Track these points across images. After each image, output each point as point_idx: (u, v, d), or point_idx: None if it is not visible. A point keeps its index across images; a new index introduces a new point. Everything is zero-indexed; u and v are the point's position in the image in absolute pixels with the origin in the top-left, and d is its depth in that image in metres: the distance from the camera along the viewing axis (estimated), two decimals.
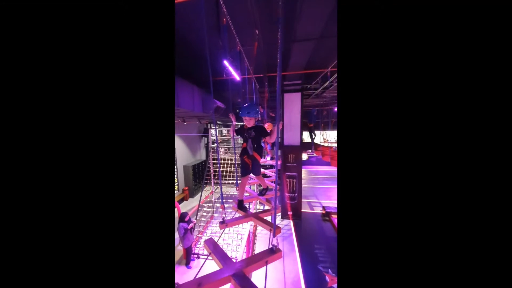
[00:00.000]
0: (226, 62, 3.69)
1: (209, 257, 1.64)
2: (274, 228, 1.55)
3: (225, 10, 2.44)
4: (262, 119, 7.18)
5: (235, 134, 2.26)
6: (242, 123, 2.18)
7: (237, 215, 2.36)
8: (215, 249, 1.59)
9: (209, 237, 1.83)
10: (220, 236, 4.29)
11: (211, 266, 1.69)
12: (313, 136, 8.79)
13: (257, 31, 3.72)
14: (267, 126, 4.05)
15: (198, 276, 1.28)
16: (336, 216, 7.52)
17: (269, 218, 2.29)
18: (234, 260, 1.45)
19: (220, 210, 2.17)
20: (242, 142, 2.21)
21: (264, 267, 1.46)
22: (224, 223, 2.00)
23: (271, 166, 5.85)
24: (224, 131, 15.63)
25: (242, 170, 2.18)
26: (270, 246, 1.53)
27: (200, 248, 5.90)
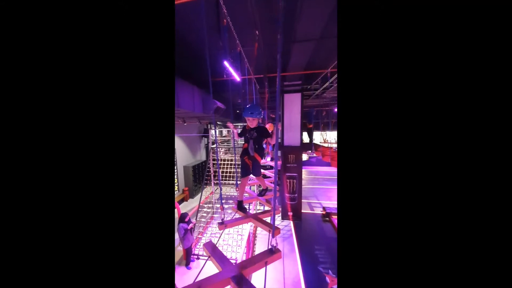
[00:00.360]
0: (226, 63, 3.69)
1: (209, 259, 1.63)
2: (273, 229, 1.55)
3: (225, 11, 2.44)
4: (263, 120, 7.18)
5: (237, 137, 2.26)
6: (243, 124, 2.17)
7: (237, 216, 2.35)
8: (214, 252, 1.59)
9: (208, 240, 1.83)
10: (220, 237, 4.28)
11: (211, 267, 1.68)
12: (312, 138, 8.80)
13: (257, 32, 3.72)
14: (268, 127, 4.05)
15: (197, 278, 1.27)
16: (336, 216, 7.51)
17: (269, 219, 2.28)
18: (233, 261, 1.45)
19: (220, 210, 2.17)
20: (243, 142, 2.20)
21: (264, 268, 1.45)
22: (223, 224, 2.00)
23: (271, 167, 5.84)
24: (224, 131, 15.62)
25: (243, 170, 2.17)
26: (269, 247, 1.53)
27: (200, 248, 5.88)
